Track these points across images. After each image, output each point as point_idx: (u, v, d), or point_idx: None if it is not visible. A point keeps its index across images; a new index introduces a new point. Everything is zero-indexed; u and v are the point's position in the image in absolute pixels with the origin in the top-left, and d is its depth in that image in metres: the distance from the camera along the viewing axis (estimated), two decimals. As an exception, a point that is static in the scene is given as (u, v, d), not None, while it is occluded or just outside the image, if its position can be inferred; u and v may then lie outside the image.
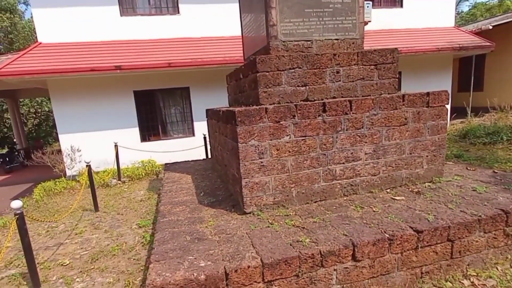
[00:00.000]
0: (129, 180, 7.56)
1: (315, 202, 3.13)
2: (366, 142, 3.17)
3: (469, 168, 3.91)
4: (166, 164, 6.25)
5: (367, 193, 3.22)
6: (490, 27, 11.07)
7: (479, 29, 11.28)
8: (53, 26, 7.99)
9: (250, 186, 2.96)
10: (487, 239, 2.51)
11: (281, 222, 2.66)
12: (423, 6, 9.76)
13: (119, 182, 7.40)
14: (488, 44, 9.61)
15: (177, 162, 6.36)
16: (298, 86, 3.31)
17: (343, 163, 3.16)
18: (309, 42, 3.50)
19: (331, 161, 3.12)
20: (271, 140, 2.97)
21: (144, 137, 8.68)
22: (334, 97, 3.38)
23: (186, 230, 2.68)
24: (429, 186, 3.26)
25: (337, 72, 3.37)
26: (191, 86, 8.84)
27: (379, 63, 3.45)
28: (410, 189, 3.19)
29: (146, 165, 7.90)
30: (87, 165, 5.33)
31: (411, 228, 2.33)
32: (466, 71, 13.04)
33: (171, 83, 8.63)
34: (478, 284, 2.31)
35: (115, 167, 7.47)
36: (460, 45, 9.34)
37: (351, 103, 3.09)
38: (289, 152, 3.01)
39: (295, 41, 3.47)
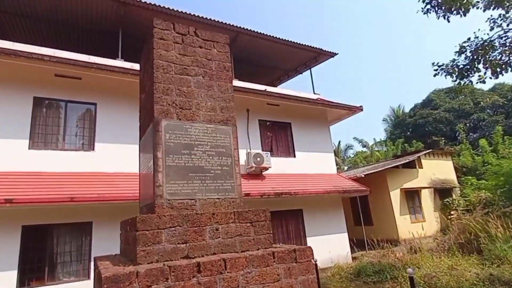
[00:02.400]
0: None
1: None
2: (240, 304, 3.30)
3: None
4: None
5: None
6: (363, 176, 13.80)
7: (356, 176, 13.85)
8: None
9: None
10: None
11: None
12: (310, 157, 11.93)
13: None
14: (364, 188, 11.75)
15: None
16: (178, 243, 3.53)
17: (217, 325, 3.18)
18: (193, 201, 3.95)
19: (204, 323, 3.14)
20: (142, 306, 2.87)
21: (23, 282, 7.41)
22: (214, 253, 3.60)
23: None
24: None
25: (216, 230, 3.76)
26: (95, 221, 8.38)
27: (254, 221, 3.98)
28: None
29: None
30: None
31: None
32: (357, 208, 15.16)
33: (72, 218, 8.13)
34: None
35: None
36: (344, 189, 11.21)
37: (225, 262, 3.32)
38: (162, 317, 2.95)
39: (179, 199, 3.86)
